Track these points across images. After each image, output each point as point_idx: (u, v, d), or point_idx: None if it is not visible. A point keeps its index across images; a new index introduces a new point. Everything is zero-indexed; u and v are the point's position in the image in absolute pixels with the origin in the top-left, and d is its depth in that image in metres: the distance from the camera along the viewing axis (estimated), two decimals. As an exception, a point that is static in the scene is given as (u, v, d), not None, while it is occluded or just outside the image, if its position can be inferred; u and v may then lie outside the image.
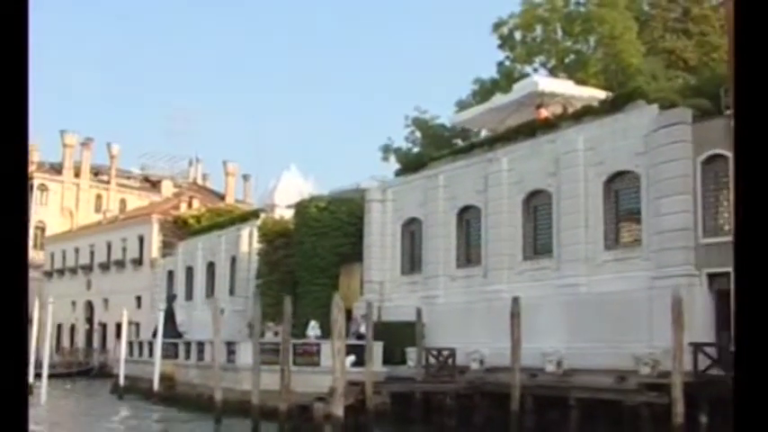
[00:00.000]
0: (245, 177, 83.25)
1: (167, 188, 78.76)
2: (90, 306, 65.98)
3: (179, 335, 41.30)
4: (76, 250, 68.30)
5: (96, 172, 79.62)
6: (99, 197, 78.69)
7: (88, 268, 66.39)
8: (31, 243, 68.13)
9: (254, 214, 47.86)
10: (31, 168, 68.52)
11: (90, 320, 65.68)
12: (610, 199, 26.42)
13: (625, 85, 35.60)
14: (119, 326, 48.63)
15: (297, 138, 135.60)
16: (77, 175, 77.29)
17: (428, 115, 50.47)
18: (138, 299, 58.73)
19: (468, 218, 31.92)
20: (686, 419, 19.31)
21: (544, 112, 31.90)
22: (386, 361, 28.59)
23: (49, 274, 69.66)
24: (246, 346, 29.38)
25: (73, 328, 66.91)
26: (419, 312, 29.16)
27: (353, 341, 27.98)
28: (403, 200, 34.75)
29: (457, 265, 31.85)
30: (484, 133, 39.30)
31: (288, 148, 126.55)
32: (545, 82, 34.50)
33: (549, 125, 29.86)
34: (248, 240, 45.61)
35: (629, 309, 24.26)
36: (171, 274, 55.37)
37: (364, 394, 24.78)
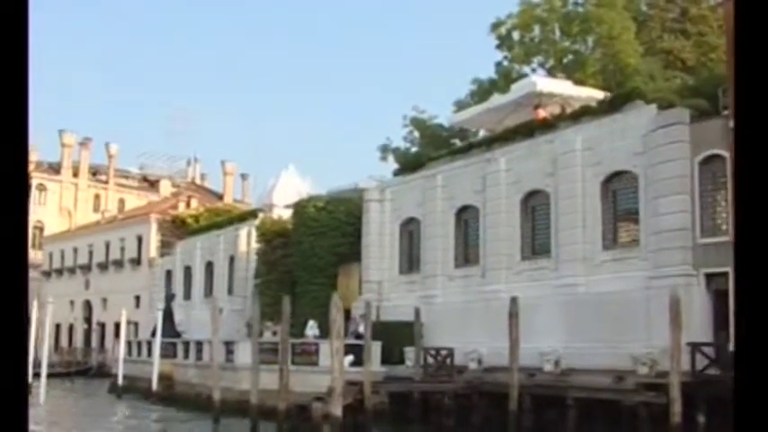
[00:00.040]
0: (244, 177, 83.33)
1: (166, 188, 78.84)
2: (88, 306, 65.99)
3: (177, 334, 41.29)
4: (75, 250, 68.32)
5: (95, 172, 79.66)
6: (97, 197, 78.73)
7: (87, 268, 66.41)
8: (29, 243, 68.14)
9: (253, 214, 47.91)
10: (30, 168, 68.49)
11: (88, 320, 65.70)
12: (608, 199, 26.46)
13: (623, 85, 35.65)
14: (117, 325, 48.66)
15: (295, 137, 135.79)
16: (76, 174, 77.33)
17: (426, 115, 50.53)
18: (137, 298, 58.75)
19: (466, 218, 31.96)
20: (684, 419, 19.34)
21: (542, 113, 31.93)
22: (384, 361, 28.61)
23: (47, 274, 69.68)
24: (245, 345, 29.41)
25: (71, 328, 66.91)
26: (417, 312, 29.20)
27: (352, 341, 28.00)
28: (401, 200, 34.79)
29: (455, 265, 31.89)
30: (482, 133, 39.28)
31: (286, 147, 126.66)
32: (543, 82, 34.54)
33: (547, 125, 29.91)
34: (246, 240, 45.64)
35: (626, 309, 24.31)
36: (169, 274, 55.38)
37: (363, 394, 24.80)
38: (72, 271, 68.04)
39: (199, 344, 34.31)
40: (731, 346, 20.95)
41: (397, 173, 38.39)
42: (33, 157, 71.52)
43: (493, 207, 30.03)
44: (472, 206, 31.41)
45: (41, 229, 73.60)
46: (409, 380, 27.69)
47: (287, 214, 41.76)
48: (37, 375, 36.54)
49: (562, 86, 33.91)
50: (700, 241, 23.34)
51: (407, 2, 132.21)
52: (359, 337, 28.53)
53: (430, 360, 28.65)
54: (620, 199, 26.37)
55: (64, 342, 66.47)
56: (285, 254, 39.63)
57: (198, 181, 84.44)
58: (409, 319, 29.22)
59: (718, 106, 23.79)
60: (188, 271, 52.87)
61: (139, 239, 61.38)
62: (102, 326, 63.06)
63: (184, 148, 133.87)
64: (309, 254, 37.45)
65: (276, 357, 26.10)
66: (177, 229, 58.39)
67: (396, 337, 29.61)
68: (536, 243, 28.97)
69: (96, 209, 76.24)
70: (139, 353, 42.13)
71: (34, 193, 72.83)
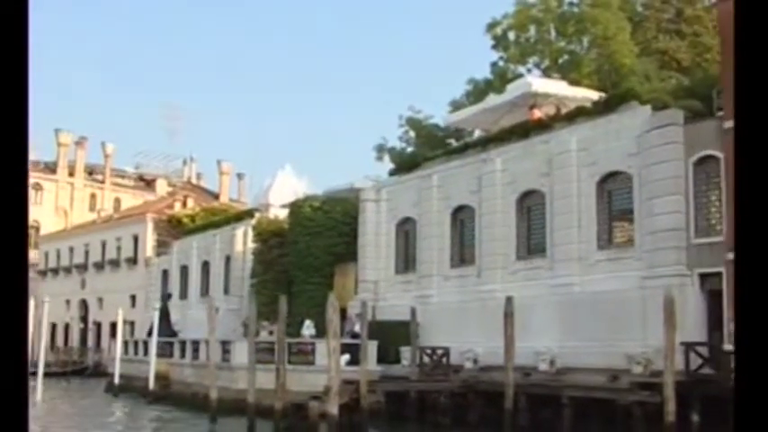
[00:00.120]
0: (240, 176, 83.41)
1: (162, 187, 78.83)
2: (84, 305, 65.96)
3: (174, 334, 41.33)
4: (71, 249, 68.28)
5: (91, 171, 79.64)
6: (93, 196, 78.70)
7: (83, 267, 66.36)
8: (25, 242, 67.99)
9: (249, 213, 47.92)
10: (26, 167, 68.38)
11: (84, 319, 65.65)
12: (603, 199, 26.58)
13: (618, 85, 35.80)
14: (113, 325, 48.70)
15: (291, 137, 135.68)
16: (72, 174, 77.29)
17: (422, 115, 50.65)
18: (133, 298, 58.72)
19: (462, 218, 32.06)
20: (678, 418, 19.42)
21: (537, 113, 32.05)
22: (380, 360, 28.68)
23: (43, 274, 69.58)
24: (241, 345, 29.45)
25: (67, 327, 66.86)
26: (413, 312, 29.26)
27: (348, 340, 28.03)
28: (397, 199, 34.87)
29: (451, 265, 31.99)
30: (477, 133, 39.43)
31: (282, 147, 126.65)
32: (538, 83, 34.67)
33: (543, 126, 30.01)
34: (243, 239, 45.68)
35: (621, 308, 24.43)
36: (165, 274, 55.39)
37: (359, 393, 24.84)
38: (68, 270, 67.99)
39: (195, 343, 34.33)
40: (725, 346, 21.12)
41: (392, 173, 38.48)
42: (30, 156, 71.38)
43: (488, 207, 30.14)
44: (468, 206, 31.51)
45: (37, 229, 73.46)
46: (405, 379, 27.76)
47: (283, 214, 41.79)
48: (33, 375, 36.53)
49: (557, 87, 34.05)
50: (694, 241, 23.48)
51: (406, 2, 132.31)
52: (355, 336, 28.58)
53: (426, 359, 28.75)
54: (614, 199, 26.48)
55: (60, 341, 66.39)
56: (281, 253, 39.68)
57: (194, 180, 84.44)
58: (405, 318, 29.29)
59: (713, 107, 23.91)
60: (184, 270, 52.88)
61: (135, 239, 61.37)
62: (99, 325, 63.04)
63: (181, 147, 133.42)
64: (306, 253, 37.52)
65: (273, 357, 26.19)
66: (173, 228, 58.39)
67: (392, 336, 29.68)
68: (531, 243, 29.08)
69: (92, 208, 76.25)
70: (136, 352, 42.12)
71: (30, 193, 72.77)
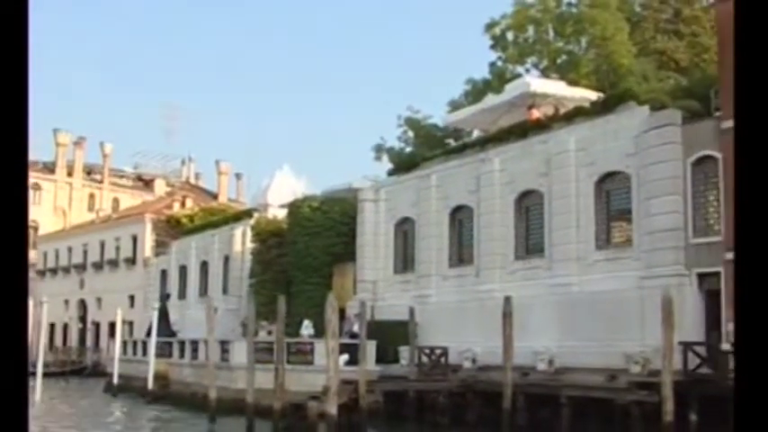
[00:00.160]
0: (238, 176, 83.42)
1: (160, 187, 78.84)
2: (83, 305, 65.98)
3: (173, 334, 41.35)
4: (69, 249, 68.29)
5: (89, 171, 79.64)
6: (92, 196, 78.70)
7: (81, 267, 66.38)
8: (24, 242, 67.94)
9: (248, 214, 47.95)
10: (24, 167, 68.34)
11: (83, 319, 65.68)
12: (601, 199, 26.62)
13: (616, 85, 35.84)
14: (112, 325, 48.72)
15: (289, 137, 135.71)
16: (70, 174, 77.30)
17: (420, 115, 50.69)
18: (132, 298, 58.75)
19: (460, 218, 32.10)
20: (676, 418, 19.47)
21: (536, 113, 32.08)
22: (379, 360, 28.72)
23: (41, 273, 69.58)
24: (240, 345, 29.46)
25: (66, 327, 66.89)
26: (412, 311, 29.26)
27: (347, 340, 28.09)
28: (396, 199, 34.90)
29: (449, 265, 32.02)
30: (476, 133, 39.45)
31: (280, 147, 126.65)
32: (537, 83, 34.70)
33: (541, 126, 30.05)
34: (241, 240, 45.70)
35: (620, 308, 24.48)
36: (164, 273, 55.42)
37: (357, 393, 24.89)
38: (67, 270, 68.00)
39: (194, 343, 34.36)
40: (723, 346, 21.16)
41: (391, 173, 38.50)
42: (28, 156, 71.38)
43: (487, 207, 30.18)
44: (466, 206, 31.54)
45: (36, 229, 73.40)
46: (404, 379, 27.79)
47: (282, 214, 41.81)
48: (32, 375, 36.52)
49: (556, 87, 34.08)
50: (692, 241, 23.52)
51: (405, 2, 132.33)
52: (354, 336, 28.61)
53: (424, 359, 28.79)
54: (613, 199, 26.53)
55: (58, 341, 66.40)
56: (280, 253, 39.70)
57: (192, 180, 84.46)
58: (404, 318, 29.31)
59: (710, 107, 23.97)
60: (183, 270, 52.90)
61: (134, 239, 61.39)
62: (97, 325, 63.05)
63: (180, 147, 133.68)
64: (304, 253, 37.54)
65: (271, 357, 26.20)
66: (172, 228, 58.41)
67: (390, 336, 29.72)
68: (530, 243, 29.12)
69: (91, 208, 76.22)
70: (135, 352, 42.15)
71: (29, 193, 72.75)
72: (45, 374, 38.57)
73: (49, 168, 76.47)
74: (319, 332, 28.18)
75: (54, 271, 69.34)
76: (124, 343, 43.91)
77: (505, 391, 23.42)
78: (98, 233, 65.97)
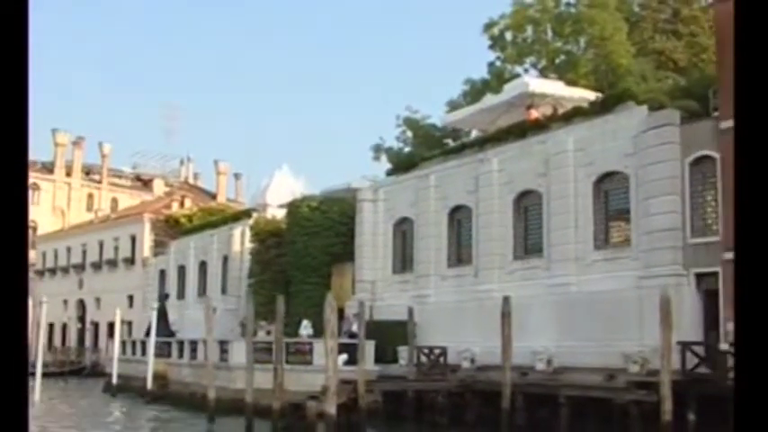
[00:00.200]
0: (237, 176, 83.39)
1: (159, 187, 78.82)
2: (82, 305, 65.96)
3: (172, 334, 41.37)
4: (68, 249, 68.26)
5: (88, 171, 79.61)
6: (90, 196, 78.68)
7: (80, 267, 66.37)
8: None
9: (247, 213, 47.97)
10: (23, 167, 68.28)
11: (82, 319, 65.67)
12: (599, 199, 26.66)
13: (615, 85, 35.87)
14: (111, 325, 48.67)
15: (288, 137, 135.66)
16: (69, 174, 77.26)
17: (419, 115, 50.68)
18: (130, 298, 58.75)
19: (459, 218, 32.13)
20: (674, 417, 19.49)
21: (534, 113, 32.11)
22: (378, 360, 28.76)
23: (40, 274, 69.55)
24: (239, 345, 29.48)
25: (65, 328, 66.87)
26: (411, 311, 29.31)
27: (346, 340, 28.12)
28: (394, 199, 34.93)
29: (448, 265, 32.04)
30: (475, 133, 39.48)
31: (279, 147, 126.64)
32: (535, 83, 34.72)
33: (540, 126, 30.09)
34: (240, 240, 45.71)
35: (618, 308, 24.51)
36: (163, 274, 55.41)
37: (356, 393, 24.90)
38: (65, 270, 67.99)
39: (193, 343, 34.39)
40: (721, 346, 21.21)
41: (390, 173, 38.54)
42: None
43: (485, 207, 30.21)
44: (465, 206, 31.57)
45: (35, 229, 73.31)
46: (403, 379, 27.82)
47: (281, 214, 41.82)
48: (31, 375, 36.53)
49: (554, 87, 34.10)
50: (690, 241, 23.56)
51: (405, 2, 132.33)
52: (352, 336, 28.64)
53: (423, 359, 28.82)
54: (611, 199, 26.57)
55: (57, 342, 66.36)
56: (279, 253, 39.72)
57: (191, 180, 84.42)
58: (402, 318, 29.36)
59: (709, 108, 24.01)
60: (182, 270, 52.90)
61: (133, 239, 61.37)
62: (96, 325, 63.02)
63: (178, 147, 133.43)
64: (303, 253, 37.56)
65: (270, 356, 26.23)
66: (171, 228, 58.39)
67: (389, 336, 29.75)
68: (528, 243, 29.15)
69: (89, 208, 76.18)
70: (134, 352, 42.17)
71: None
72: (44, 375, 38.57)
73: (48, 168, 76.45)
74: (318, 332, 28.20)
75: (53, 271, 69.32)
76: (123, 343, 43.93)
77: (504, 390, 23.44)
78: (97, 233, 65.94)
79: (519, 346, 24.21)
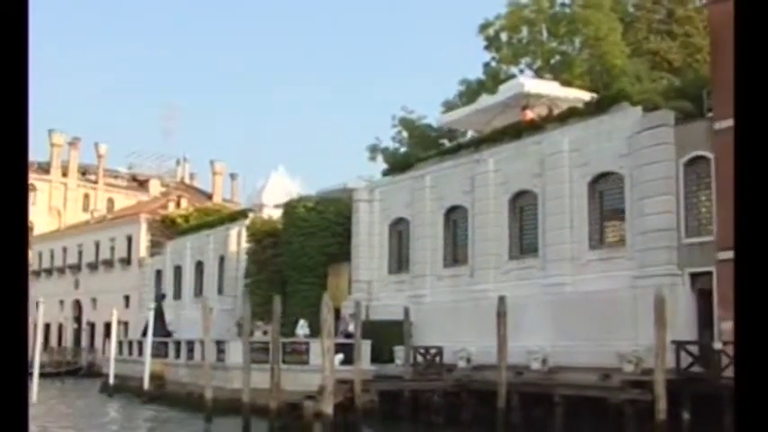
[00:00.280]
0: (233, 176, 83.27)
1: (155, 187, 78.75)
2: (78, 305, 65.90)
3: (168, 334, 41.37)
4: (64, 250, 68.20)
5: (84, 171, 79.48)
6: (87, 196, 78.59)
7: (76, 268, 66.28)
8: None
9: (243, 214, 48.00)
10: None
11: (78, 320, 65.58)
12: (594, 199, 26.76)
13: (610, 86, 35.99)
14: (107, 325, 48.66)
15: (284, 137, 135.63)
16: (65, 174, 77.16)
17: (415, 115, 50.70)
18: (127, 298, 58.72)
19: (454, 218, 32.21)
20: (669, 416, 19.60)
21: (530, 114, 32.19)
22: (374, 359, 28.82)
23: (36, 274, 69.40)
24: (236, 345, 29.53)
25: (61, 328, 66.75)
26: (407, 311, 29.41)
27: (342, 340, 28.18)
28: (390, 200, 35.00)
29: (444, 265, 32.13)
30: (470, 134, 39.53)
31: (275, 147, 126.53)
32: (531, 83, 34.80)
33: (535, 126, 30.19)
34: (237, 240, 45.73)
35: (613, 307, 24.61)
36: (159, 274, 55.38)
37: (353, 392, 24.99)
38: (62, 271, 67.91)
39: (190, 343, 34.42)
40: (715, 345, 21.32)
41: (385, 173, 38.61)
42: (23, 156, 71.21)
43: (481, 207, 30.30)
44: (461, 206, 31.66)
45: (31, 229, 73.21)
46: (399, 378, 27.90)
47: (277, 214, 41.88)
48: (29, 375, 36.55)
49: (549, 87, 34.19)
50: (684, 241, 23.67)
51: (401, 3, 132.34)
52: (349, 336, 28.73)
53: (419, 359, 28.92)
54: (606, 199, 26.66)
55: (54, 342, 66.26)
56: (275, 254, 39.78)
57: (187, 180, 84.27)
58: (398, 318, 29.44)
59: (703, 108, 24.12)
60: (178, 271, 52.89)
61: (129, 239, 61.33)
62: (92, 326, 62.99)
63: (174, 147, 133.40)
64: (299, 254, 37.63)
65: (267, 356, 26.30)
66: (167, 228, 58.35)
67: (385, 336, 29.82)
68: (524, 243, 29.25)
69: (86, 208, 76.11)
70: (130, 352, 42.18)
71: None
72: (41, 375, 38.56)
73: (44, 169, 76.31)
74: (315, 332, 28.29)
75: (49, 271, 69.22)
76: (120, 343, 43.91)
77: (500, 390, 23.55)
78: (93, 233, 65.89)
79: (514, 345, 24.31)
